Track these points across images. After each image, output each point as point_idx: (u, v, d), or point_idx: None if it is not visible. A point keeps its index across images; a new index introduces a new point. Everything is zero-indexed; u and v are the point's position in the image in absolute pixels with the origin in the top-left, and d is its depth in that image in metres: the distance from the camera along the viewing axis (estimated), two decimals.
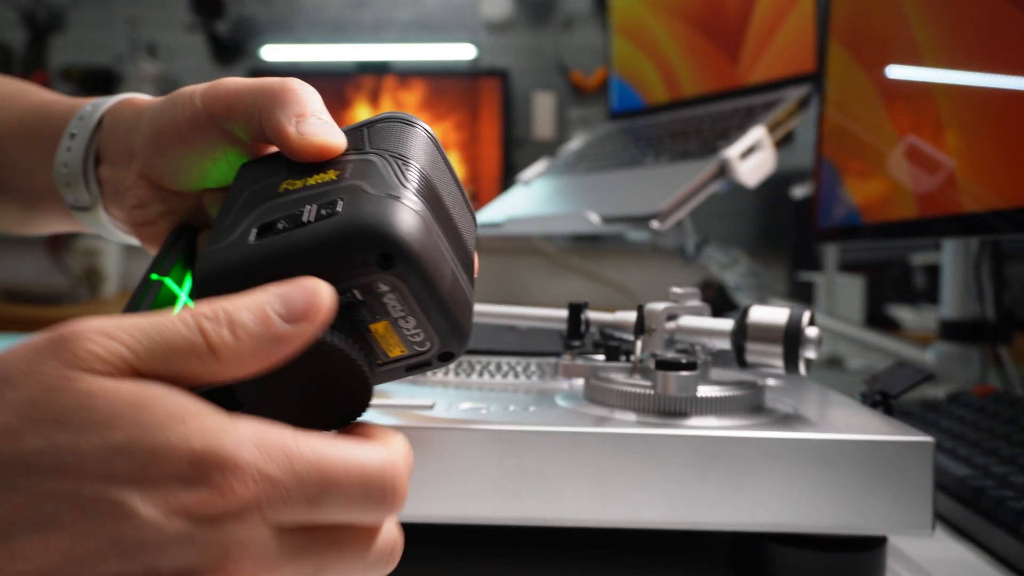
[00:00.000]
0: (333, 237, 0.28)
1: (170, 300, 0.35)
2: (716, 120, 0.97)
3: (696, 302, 0.45)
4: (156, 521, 0.23)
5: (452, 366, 0.48)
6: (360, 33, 2.40)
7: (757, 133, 0.85)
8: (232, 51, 2.58)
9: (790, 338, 0.40)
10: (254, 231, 0.30)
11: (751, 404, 0.40)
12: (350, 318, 0.30)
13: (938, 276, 0.96)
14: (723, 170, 0.83)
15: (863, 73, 0.87)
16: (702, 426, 0.38)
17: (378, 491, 0.26)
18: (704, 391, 0.39)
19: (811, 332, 0.40)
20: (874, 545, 0.39)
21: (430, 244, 0.30)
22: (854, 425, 0.39)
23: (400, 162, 0.32)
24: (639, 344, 0.43)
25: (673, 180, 0.85)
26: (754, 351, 0.40)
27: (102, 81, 2.61)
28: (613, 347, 0.45)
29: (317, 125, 0.33)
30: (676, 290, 0.45)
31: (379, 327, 0.30)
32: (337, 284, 0.28)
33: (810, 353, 0.40)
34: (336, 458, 0.26)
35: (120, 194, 0.41)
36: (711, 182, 0.83)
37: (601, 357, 0.45)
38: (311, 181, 0.32)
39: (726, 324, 0.42)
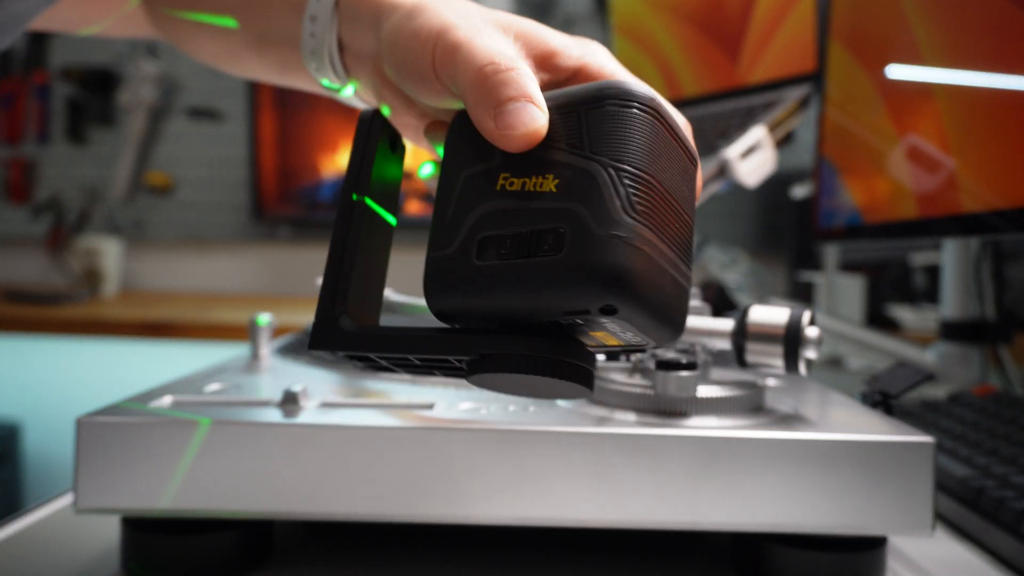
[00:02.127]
0: (558, 284, 0.29)
1: (373, 219, 0.36)
2: (716, 120, 0.97)
3: (696, 302, 0.45)
4: None
5: None
6: None
7: (757, 133, 0.85)
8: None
9: (790, 338, 0.40)
10: (476, 243, 0.31)
11: (751, 404, 0.40)
12: (567, 328, 0.31)
13: (938, 276, 0.96)
14: (723, 170, 0.83)
15: (863, 73, 0.87)
16: (702, 426, 0.38)
17: None
18: (704, 391, 0.39)
19: (811, 332, 0.40)
20: (874, 545, 0.39)
21: (652, 280, 0.30)
22: (854, 425, 0.39)
23: (622, 175, 0.30)
24: None
25: None
26: (754, 351, 0.41)
27: (102, 81, 2.61)
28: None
29: (515, 115, 0.32)
30: None
31: (597, 334, 0.31)
32: (559, 317, 0.30)
33: (810, 353, 0.40)
34: None
35: (364, 85, 0.43)
36: (711, 182, 0.83)
37: (601, 357, 0.45)
38: (530, 185, 0.31)
39: (726, 324, 0.42)
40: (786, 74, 0.96)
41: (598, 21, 2.20)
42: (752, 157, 0.83)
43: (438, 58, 0.36)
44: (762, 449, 0.37)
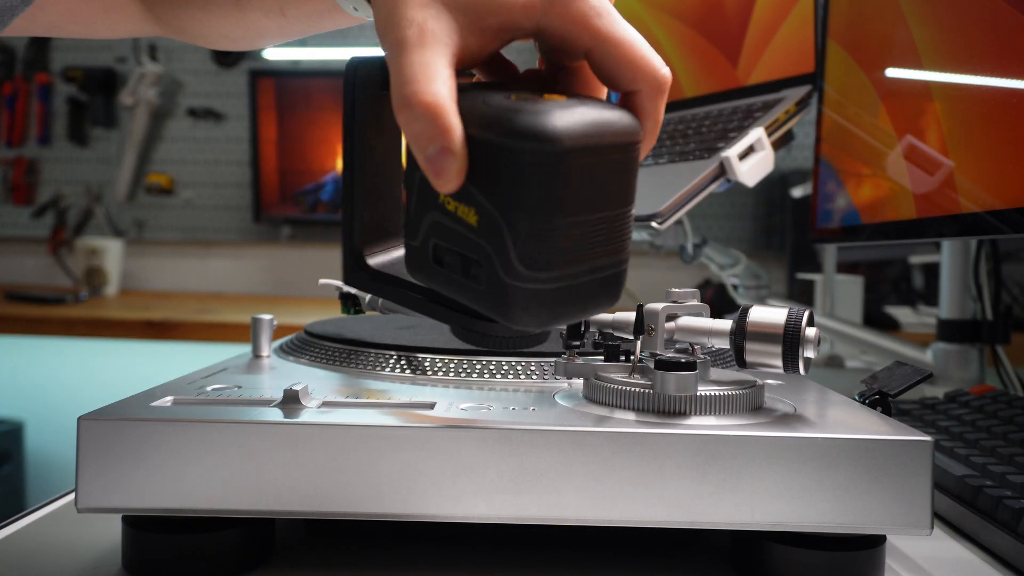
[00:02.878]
0: (482, 307, 0.36)
1: (373, 154, 0.41)
2: (715, 121, 0.97)
3: (695, 302, 0.46)
4: None
5: (452, 365, 0.49)
6: (361, 33, 2.40)
7: (756, 133, 0.85)
8: (233, 51, 2.58)
9: (789, 338, 0.40)
10: (431, 248, 0.37)
11: (750, 403, 0.41)
12: None
13: (937, 276, 0.96)
14: (722, 170, 0.83)
15: (862, 74, 0.87)
16: (701, 425, 0.38)
17: None
18: (703, 390, 0.39)
19: (810, 332, 0.40)
20: (873, 544, 0.39)
21: (549, 309, 0.35)
22: (853, 424, 0.39)
23: (521, 233, 0.33)
24: (638, 344, 0.43)
25: (672, 180, 0.86)
26: (753, 351, 0.41)
27: (103, 82, 2.61)
28: (613, 347, 0.45)
29: (436, 163, 0.33)
30: (675, 290, 0.45)
31: None
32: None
33: (809, 353, 0.40)
34: None
35: None
36: (710, 182, 0.84)
37: (601, 357, 0.45)
38: (461, 212, 0.35)
39: (725, 324, 0.42)
40: (785, 75, 0.96)
41: None
42: (751, 157, 0.84)
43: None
44: (761, 448, 0.37)
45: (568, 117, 0.32)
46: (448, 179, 0.33)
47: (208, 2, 0.53)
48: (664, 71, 0.37)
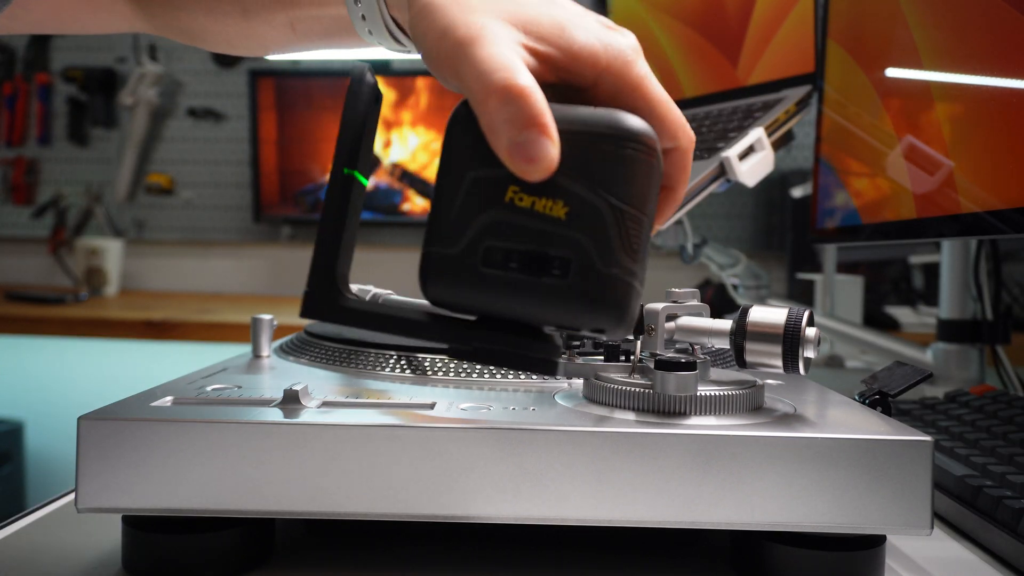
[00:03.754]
0: (561, 306, 0.34)
1: (359, 188, 0.38)
2: (715, 121, 0.97)
3: (695, 302, 0.46)
4: None
5: (452, 365, 0.49)
6: None
7: (756, 133, 0.85)
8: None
9: (789, 338, 0.40)
10: (482, 251, 0.34)
11: (750, 403, 0.41)
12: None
13: (937, 276, 0.96)
14: (722, 170, 0.83)
15: (862, 74, 0.87)
16: (701, 425, 0.38)
17: None
18: (703, 390, 0.39)
19: (810, 332, 0.40)
20: (873, 544, 0.39)
21: (633, 306, 0.34)
22: (853, 424, 0.39)
23: (625, 217, 0.34)
24: (638, 344, 0.43)
25: None
26: (753, 351, 0.41)
27: (103, 82, 2.61)
28: (613, 347, 0.45)
29: (528, 148, 0.32)
30: (675, 290, 0.45)
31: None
32: (548, 327, 0.36)
33: (809, 353, 0.40)
34: None
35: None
36: (710, 182, 0.84)
37: (601, 357, 0.45)
38: (539, 206, 0.34)
39: (725, 324, 0.42)
40: (785, 75, 0.96)
41: None
42: (751, 157, 0.84)
43: (444, 64, 0.35)
44: (761, 448, 0.37)
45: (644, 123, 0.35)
46: (543, 163, 0.32)
47: (212, 7, 0.52)
48: (692, 132, 0.40)
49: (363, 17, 0.45)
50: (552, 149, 0.32)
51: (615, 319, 0.34)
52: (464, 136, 0.35)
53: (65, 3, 0.54)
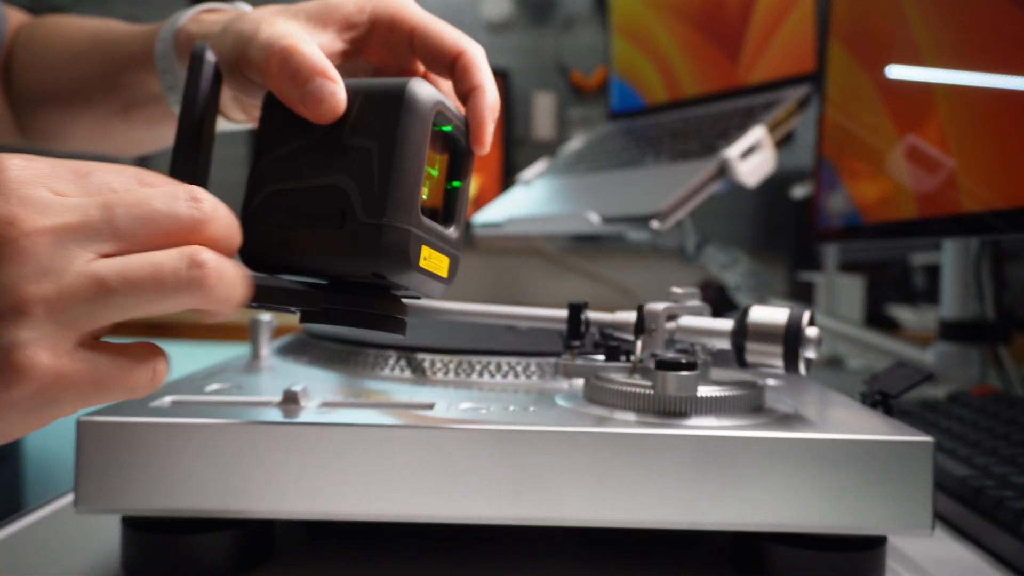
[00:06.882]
0: (342, 261, 0.36)
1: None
2: (716, 120, 0.97)
3: (696, 302, 0.45)
4: None
5: (452, 366, 0.49)
6: None
7: (757, 133, 0.85)
8: None
9: (790, 338, 0.40)
10: (266, 211, 0.36)
11: (751, 404, 0.41)
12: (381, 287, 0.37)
13: (938, 276, 0.96)
14: (723, 170, 0.83)
15: (863, 73, 0.87)
16: (702, 426, 0.38)
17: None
18: (704, 391, 0.39)
19: (811, 332, 0.40)
20: (874, 545, 0.39)
21: (409, 252, 0.35)
22: (854, 425, 0.39)
23: (392, 168, 0.35)
24: (639, 344, 0.43)
25: (673, 180, 0.85)
26: (754, 351, 0.41)
27: None
28: (613, 347, 0.45)
29: (316, 93, 0.36)
30: (676, 290, 0.45)
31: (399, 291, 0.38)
32: (365, 279, 0.36)
33: (810, 353, 0.40)
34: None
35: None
36: (711, 182, 0.84)
37: (601, 357, 0.45)
38: (315, 168, 0.36)
39: (726, 324, 0.42)
40: (786, 74, 0.96)
41: (598, 21, 2.20)
42: (752, 157, 0.84)
43: (243, 63, 0.40)
44: (762, 449, 0.37)
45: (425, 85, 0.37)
46: (331, 103, 0.36)
47: (72, 112, 0.57)
48: (474, 41, 0.42)
49: (171, 88, 0.49)
50: (337, 90, 0.36)
51: (388, 266, 0.35)
52: (263, 124, 0.38)
53: None
